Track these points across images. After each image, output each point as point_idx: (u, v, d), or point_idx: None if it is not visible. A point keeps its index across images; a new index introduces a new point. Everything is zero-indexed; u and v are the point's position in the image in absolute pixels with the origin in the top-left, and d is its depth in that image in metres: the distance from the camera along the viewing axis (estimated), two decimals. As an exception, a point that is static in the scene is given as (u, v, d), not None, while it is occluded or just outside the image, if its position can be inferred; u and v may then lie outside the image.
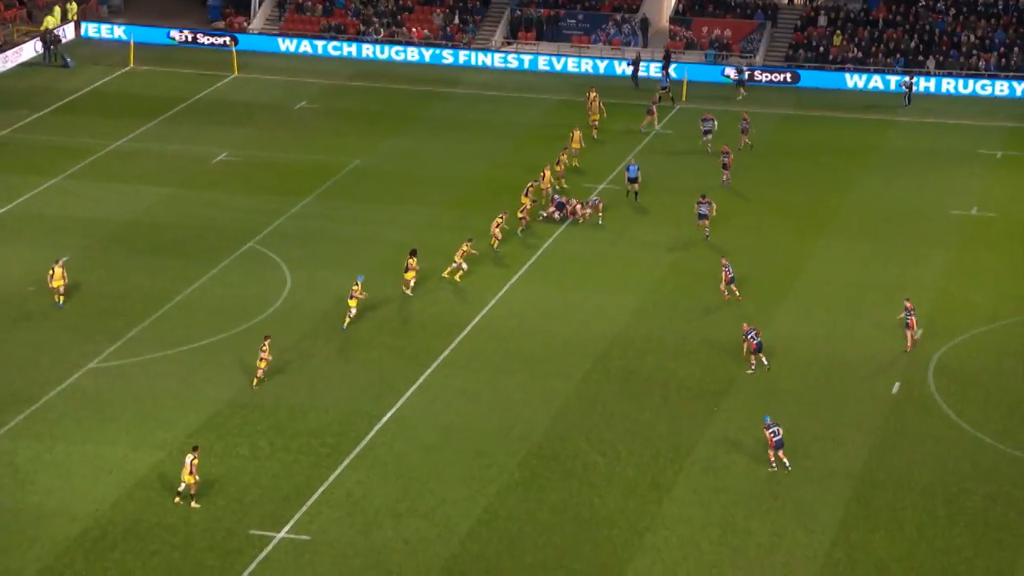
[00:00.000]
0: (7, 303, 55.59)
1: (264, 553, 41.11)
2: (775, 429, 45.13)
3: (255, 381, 49.47)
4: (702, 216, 60.23)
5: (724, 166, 66.47)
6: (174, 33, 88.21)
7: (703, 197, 60.65)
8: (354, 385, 50.07)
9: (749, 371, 50.52)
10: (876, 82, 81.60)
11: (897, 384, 50.53)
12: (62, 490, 43.92)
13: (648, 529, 42.49)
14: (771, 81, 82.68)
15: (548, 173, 64.63)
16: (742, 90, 79.97)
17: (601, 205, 63.08)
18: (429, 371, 50.82)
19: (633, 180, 64.74)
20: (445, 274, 56.88)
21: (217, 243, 60.93)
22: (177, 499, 43.18)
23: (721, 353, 52.26)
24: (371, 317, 54.61)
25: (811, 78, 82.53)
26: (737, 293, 55.38)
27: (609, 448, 46.31)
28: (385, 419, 47.99)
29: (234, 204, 65.11)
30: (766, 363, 50.64)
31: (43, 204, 64.99)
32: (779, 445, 45.15)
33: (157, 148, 71.82)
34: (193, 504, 43.06)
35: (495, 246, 58.70)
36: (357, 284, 53.58)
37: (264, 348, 49.39)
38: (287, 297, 56.41)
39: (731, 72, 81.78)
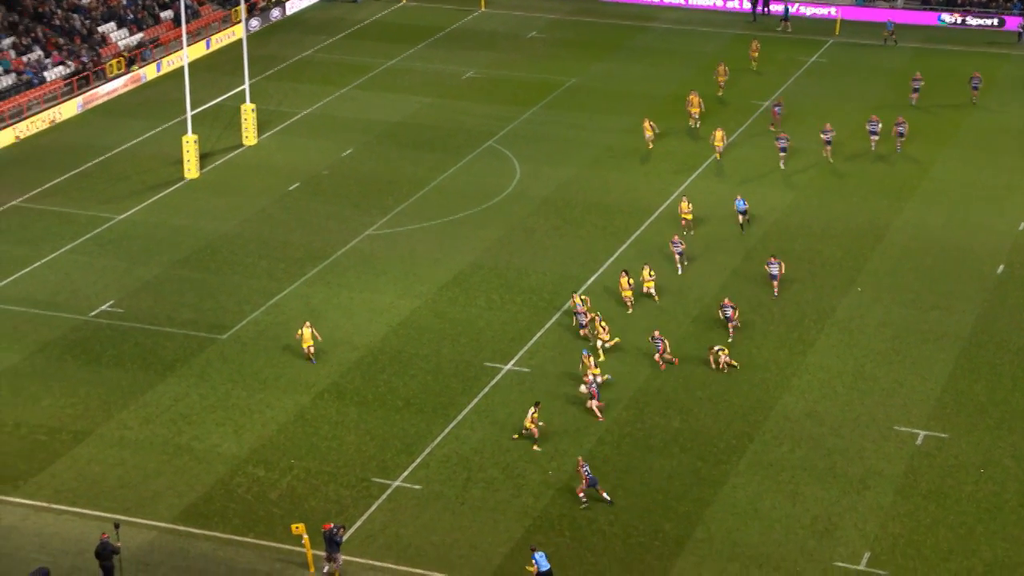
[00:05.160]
0: (308, 183, 56.21)
1: (495, 380, 41.15)
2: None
3: (535, 445, 37.67)
4: (772, 276, 46.13)
5: (900, 134, 58.18)
6: None
7: (773, 257, 46.31)
8: (566, 254, 49.48)
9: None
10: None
11: (1001, 266, 48.18)
12: (346, 326, 44.47)
13: (794, 374, 41.35)
14: (980, 26, 77.27)
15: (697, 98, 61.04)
16: (786, 24, 76.30)
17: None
18: (624, 245, 49.96)
19: (743, 212, 50.76)
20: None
21: (464, 141, 60.60)
22: (516, 436, 37.80)
23: (859, 237, 50.29)
24: (583, 201, 53.82)
25: (1013, 22, 76.75)
26: None
27: (765, 310, 45.07)
28: (589, 282, 47.34)
29: (478, 111, 64.60)
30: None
31: (335, 108, 65.38)
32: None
33: (420, 66, 71.54)
34: (535, 447, 37.33)
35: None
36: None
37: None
38: (516, 185, 55.86)
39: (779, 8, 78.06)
